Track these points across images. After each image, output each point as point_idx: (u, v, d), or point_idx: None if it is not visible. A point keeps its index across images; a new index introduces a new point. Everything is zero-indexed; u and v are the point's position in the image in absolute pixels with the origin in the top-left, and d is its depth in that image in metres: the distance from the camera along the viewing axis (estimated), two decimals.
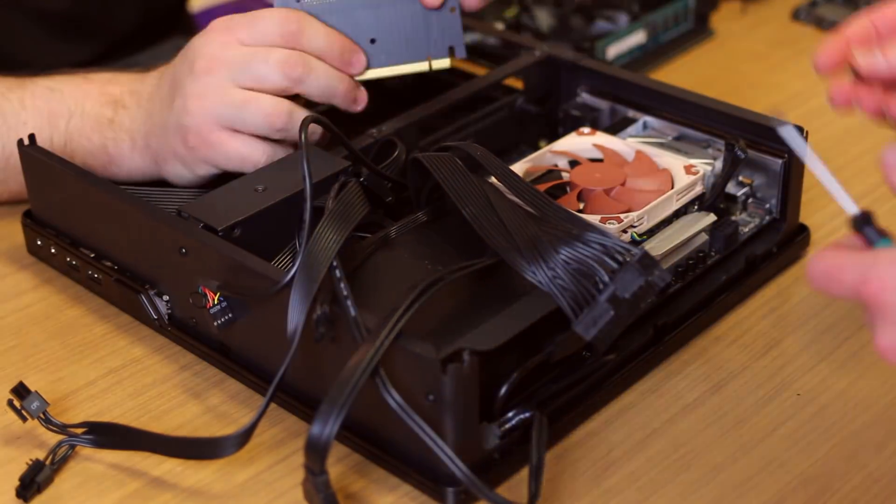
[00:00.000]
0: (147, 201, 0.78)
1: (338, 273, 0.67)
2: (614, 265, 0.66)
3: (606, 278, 0.66)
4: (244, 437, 0.67)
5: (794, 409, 0.73)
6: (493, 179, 0.76)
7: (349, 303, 0.66)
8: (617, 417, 0.73)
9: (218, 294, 0.72)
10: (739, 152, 0.81)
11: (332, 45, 0.81)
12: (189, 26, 1.31)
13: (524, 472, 0.67)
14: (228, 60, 0.79)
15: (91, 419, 0.71)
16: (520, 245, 0.68)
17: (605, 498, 0.67)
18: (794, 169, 0.82)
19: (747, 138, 0.83)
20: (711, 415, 0.73)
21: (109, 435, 0.70)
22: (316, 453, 0.63)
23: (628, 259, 0.66)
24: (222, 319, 0.73)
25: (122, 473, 0.70)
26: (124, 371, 0.77)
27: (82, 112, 0.86)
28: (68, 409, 0.74)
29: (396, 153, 0.83)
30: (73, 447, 0.70)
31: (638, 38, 1.10)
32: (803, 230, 0.86)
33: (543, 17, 1.12)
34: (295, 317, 0.66)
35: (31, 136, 0.83)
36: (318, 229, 0.69)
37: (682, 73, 1.10)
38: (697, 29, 1.15)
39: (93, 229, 0.82)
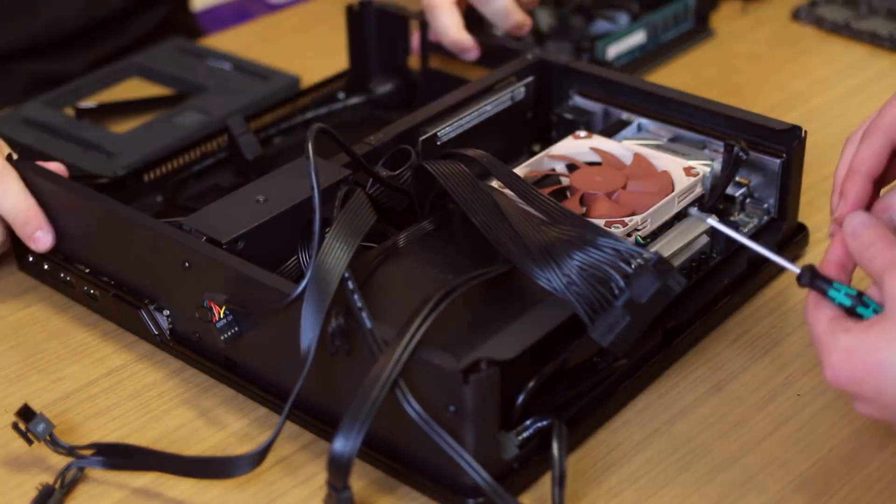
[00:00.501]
0: (147, 214, 0.77)
1: (350, 284, 0.66)
2: (629, 270, 0.66)
3: (622, 284, 0.65)
4: (259, 456, 0.66)
5: (794, 409, 0.73)
6: (495, 183, 0.76)
7: (364, 314, 0.65)
8: (617, 418, 0.72)
9: (224, 308, 0.71)
10: (741, 153, 0.81)
11: (17, 215, 0.81)
12: (190, 26, 1.30)
13: (542, 481, 0.67)
14: None
15: (91, 419, 0.72)
16: (532, 252, 0.68)
17: (605, 498, 0.67)
18: (792, 168, 0.83)
19: (742, 138, 0.82)
20: (712, 415, 0.73)
21: (119, 456, 0.68)
22: (339, 469, 0.62)
23: (643, 264, 0.66)
24: (229, 333, 0.72)
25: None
26: (124, 371, 0.77)
27: None
28: (68, 408, 0.74)
29: (410, 161, 0.82)
30: (81, 469, 0.69)
31: (638, 38, 1.10)
32: (802, 230, 0.86)
33: (544, 18, 1.11)
34: (309, 331, 0.65)
35: (22, 151, 0.82)
36: (326, 240, 0.68)
37: (682, 74, 1.10)
38: (697, 29, 1.15)
39: (88, 244, 0.80)
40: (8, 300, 0.83)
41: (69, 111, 1.03)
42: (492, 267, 0.71)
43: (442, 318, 0.66)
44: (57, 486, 0.67)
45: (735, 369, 0.76)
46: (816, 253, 0.87)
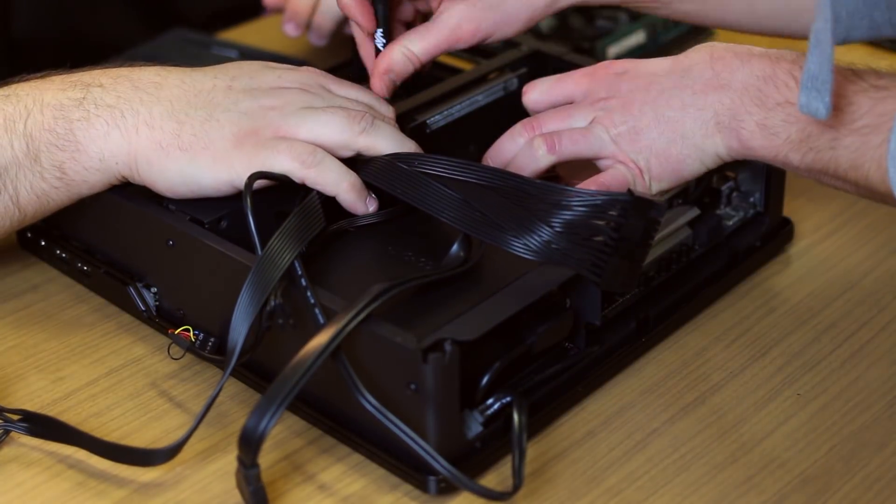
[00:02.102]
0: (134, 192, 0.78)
1: (298, 268, 0.68)
2: (611, 218, 0.67)
3: (610, 233, 0.67)
4: (174, 450, 0.67)
5: (794, 409, 0.73)
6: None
7: (309, 292, 0.67)
8: (617, 417, 0.72)
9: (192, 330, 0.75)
10: None
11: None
12: None
13: (507, 460, 0.68)
14: None
15: (91, 419, 0.72)
16: (514, 232, 0.69)
17: (604, 498, 0.67)
18: None
19: None
20: (711, 415, 0.72)
21: (42, 426, 0.70)
22: (249, 446, 0.62)
23: (622, 207, 0.67)
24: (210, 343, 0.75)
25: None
26: (124, 371, 0.77)
27: (42, 105, 0.76)
28: (69, 408, 0.74)
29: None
30: (7, 433, 0.70)
31: (638, 38, 1.10)
32: (787, 224, 0.86)
33: None
34: (241, 324, 0.67)
35: None
36: (271, 242, 0.69)
37: None
38: (697, 29, 1.15)
39: (81, 221, 0.82)
40: (8, 300, 0.83)
41: None
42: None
43: (407, 298, 0.67)
44: None
45: (735, 369, 0.76)
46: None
